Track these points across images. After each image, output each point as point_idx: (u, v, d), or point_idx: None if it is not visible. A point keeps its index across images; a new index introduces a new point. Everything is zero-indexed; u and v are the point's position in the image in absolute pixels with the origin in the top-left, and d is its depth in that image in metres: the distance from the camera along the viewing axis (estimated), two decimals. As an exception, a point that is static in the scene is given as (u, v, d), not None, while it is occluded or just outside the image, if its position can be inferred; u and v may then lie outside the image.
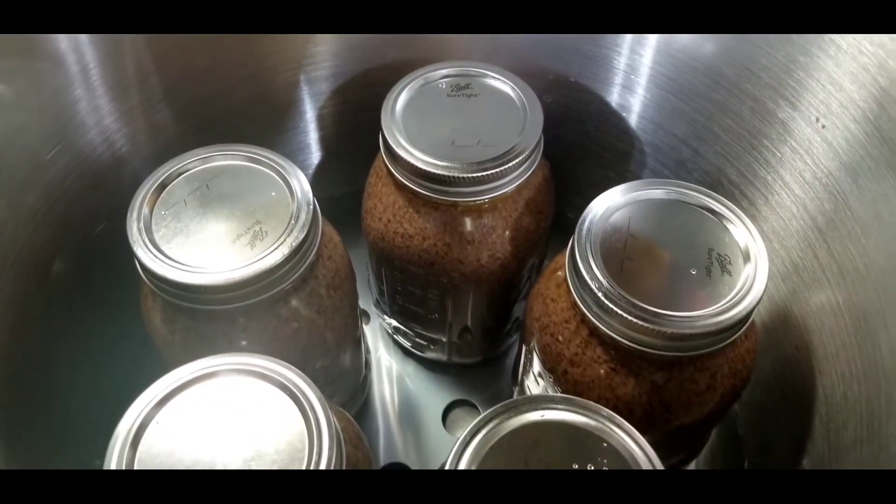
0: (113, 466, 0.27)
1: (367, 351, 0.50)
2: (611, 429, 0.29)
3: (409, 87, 0.41)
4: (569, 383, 0.37)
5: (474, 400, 0.51)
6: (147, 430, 0.28)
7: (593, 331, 0.35)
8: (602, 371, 0.36)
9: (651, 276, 0.34)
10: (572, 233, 0.42)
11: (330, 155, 0.53)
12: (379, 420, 0.51)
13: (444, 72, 0.42)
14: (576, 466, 0.28)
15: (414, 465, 0.48)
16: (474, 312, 0.46)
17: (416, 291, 0.45)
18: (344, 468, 0.29)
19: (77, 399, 0.42)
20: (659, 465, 0.28)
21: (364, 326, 0.53)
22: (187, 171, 0.36)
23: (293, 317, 0.37)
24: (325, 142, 0.52)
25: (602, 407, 0.30)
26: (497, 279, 0.43)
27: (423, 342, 0.51)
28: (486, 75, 0.42)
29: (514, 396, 0.47)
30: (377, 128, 0.42)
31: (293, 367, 0.30)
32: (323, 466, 0.28)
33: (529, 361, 0.42)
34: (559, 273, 0.38)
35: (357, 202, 0.45)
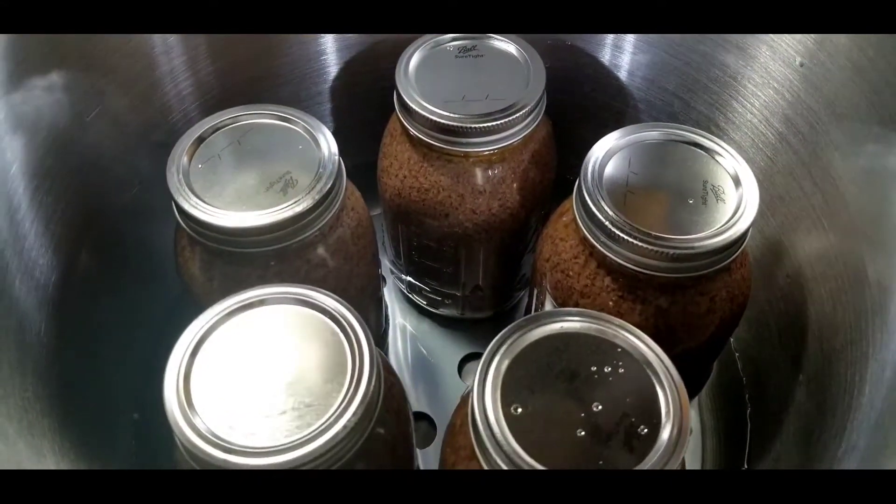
0: (172, 386, 0.30)
1: (386, 307, 0.53)
2: (623, 335, 0.32)
3: (420, 49, 0.44)
4: (580, 314, 0.40)
5: (487, 352, 0.54)
6: (200, 351, 0.31)
7: (601, 262, 0.38)
8: (611, 300, 0.39)
9: (652, 207, 0.37)
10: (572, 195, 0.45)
11: (341, 127, 0.56)
12: (398, 374, 0.53)
13: (450, 36, 0.45)
14: (594, 369, 0.31)
15: (435, 415, 0.51)
16: (486, 264, 0.49)
17: (431, 245, 0.48)
18: (382, 390, 0.32)
19: (113, 356, 0.45)
20: (668, 363, 0.31)
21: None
22: (221, 128, 0.39)
23: (322, 262, 0.40)
24: (336, 113, 0.55)
25: (613, 317, 0.33)
26: (507, 228, 0.46)
27: (437, 298, 0.53)
28: (490, 38, 0.45)
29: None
30: (384, 101, 0.45)
31: (335, 296, 0.33)
32: (363, 385, 0.30)
33: (541, 302, 0.45)
34: (566, 216, 0.41)
35: (367, 172, 0.48)
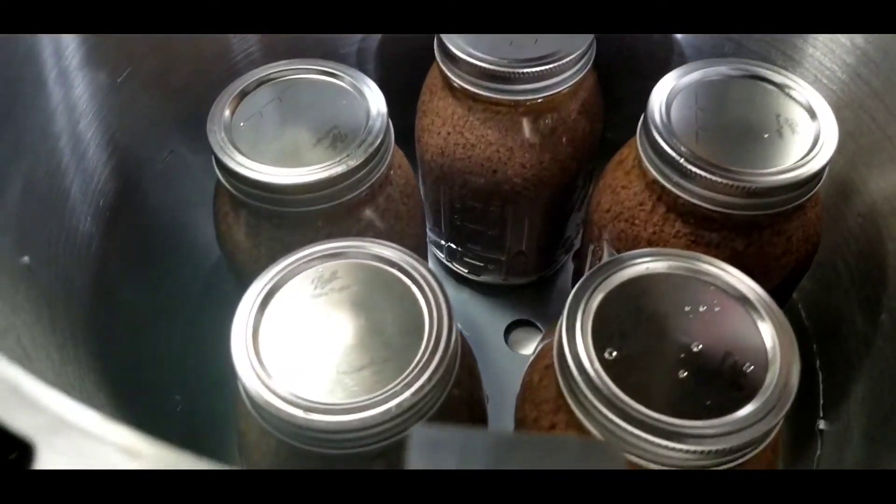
0: (240, 344, 0.28)
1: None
2: (715, 272, 0.30)
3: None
4: (648, 264, 0.38)
5: (534, 319, 0.52)
6: (268, 307, 0.29)
7: (671, 206, 0.36)
8: (682, 245, 0.37)
9: (727, 143, 0.35)
10: (613, 152, 0.43)
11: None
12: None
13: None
14: (687, 309, 0.29)
15: (485, 383, 0.49)
16: (532, 224, 0.47)
17: (476, 206, 0.46)
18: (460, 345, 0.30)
19: (150, 333, 0.42)
20: (768, 298, 0.29)
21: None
22: (263, 83, 0.37)
23: (372, 223, 0.38)
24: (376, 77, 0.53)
25: (701, 254, 0.31)
26: (557, 183, 0.44)
27: (479, 264, 0.51)
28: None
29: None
30: (418, 63, 0.42)
31: (404, 248, 0.31)
32: (444, 338, 0.28)
33: (596, 259, 0.43)
34: (625, 163, 0.39)
35: (402, 137, 0.45)
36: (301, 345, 0.28)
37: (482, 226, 0.47)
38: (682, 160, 0.34)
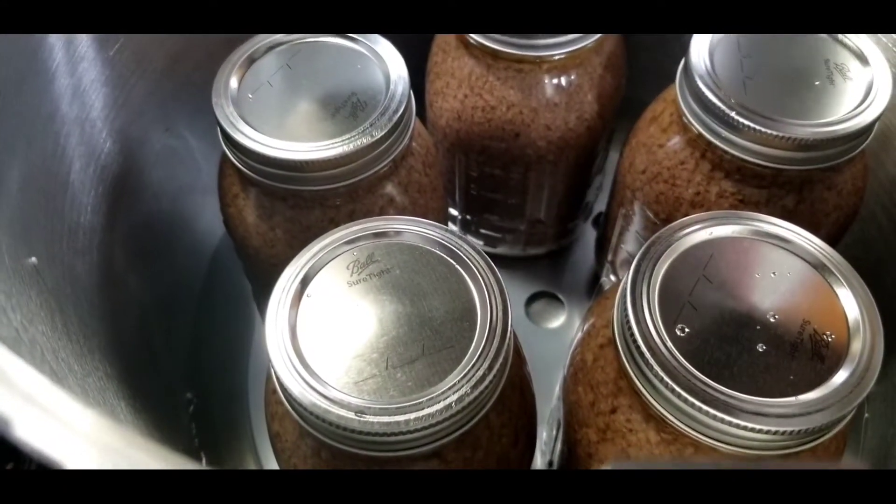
0: (274, 327, 0.25)
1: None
2: (784, 234, 0.28)
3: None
4: (691, 227, 0.36)
5: (555, 290, 0.50)
6: (303, 298, 0.26)
7: (717, 164, 0.34)
8: (728, 205, 0.35)
9: (776, 91, 0.33)
10: (628, 111, 0.40)
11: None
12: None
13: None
14: (758, 276, 0.27)
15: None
16: (553, 191, 0.45)
17: (496, 173, 0.43)
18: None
19: (159, 329, 0.39)
20: (842, 261, 0.27)
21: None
22: (271, 48, 0.34)
23: (394, 197, 0.35)
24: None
25: (766, 216, 0.29)
26: (584, 144, 0.41)
27: (497, 235, 0.49)
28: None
29: (605, 275, 0.46)
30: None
31: (449, 228, 0.28)
32: (500, 325, 0.26)
33: (627, 224, 0.41)
34: (662, 118, 0.37)
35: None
36: (344, 338, 0.25)
37: (500, 194, 0.45)
38: (732, 113, 0.31)
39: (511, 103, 0.39)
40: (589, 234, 0.52)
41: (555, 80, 0.38)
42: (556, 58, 0.37)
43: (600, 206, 0.51)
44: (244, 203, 0.34)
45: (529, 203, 0.45)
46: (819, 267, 0.27)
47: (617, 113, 0.43)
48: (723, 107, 0.32)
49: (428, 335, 0.25)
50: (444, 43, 0.41)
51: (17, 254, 0.24)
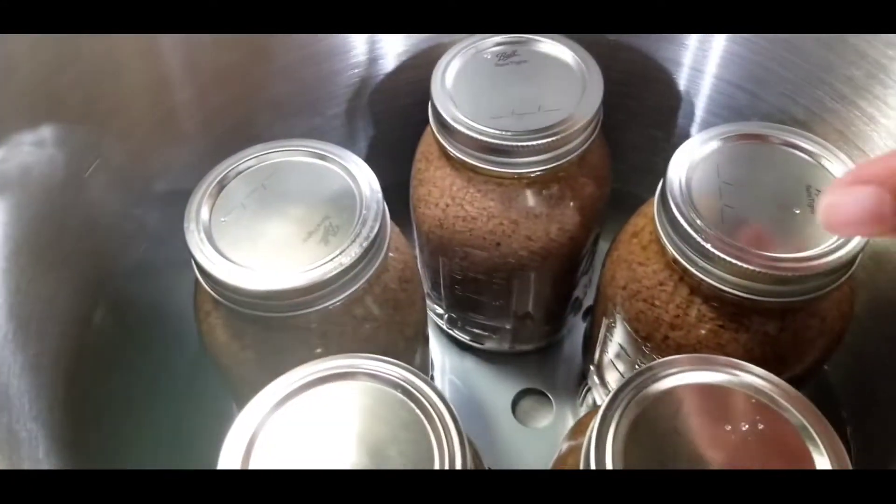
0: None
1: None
2: (755, 383, 0.27)
3: (457, 57, 0.39)
4: (670, 349, 0.35)
5: (544, 388, 0.49)
6: (258, 438, 0.26)
7: (695, 288, 0.33)
8: (707, 330, 0.34)
9: (755, 220, 0.32)
10: (620, 204, 0.39)
11: (372, 149, 0.51)
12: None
13: (484, 41, 0.40)
14: (729, 428, 0.26)
15: (492, 463, 0.46)
16: (538, 294, 0.44)
17: (478, 278, 0.42)
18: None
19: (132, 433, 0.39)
20: (820, 416, 0.26)
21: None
22: (242, 171, 0.34)
23: (370, 316, 0.34)
24: (350, 136, 0.49)
25: (740, 361, 0.28)
26: (566, 253, 0.41)
27: (483, 332, 0.48)
28: (531, 40, 0.40)
29: (591, 377, 0.45)
30: (416, 116, 0.39)
31: (409, 367, 0.27)
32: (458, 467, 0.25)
33: (610, 334, 0.40)
34: (642, 235, 0.36)
35: (397, 194, 0.42)
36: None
37: (485, 297, 0.44)
38: (708, 245, 0.31)
39: (492, 214, 0.39)
40: (579, 329, 0.51)
41: (535, 192, 0.38)
42: (540, 172, 0.37)
43: (591, 299, 0.51)
44: (216, 321, 0.34)
45: (514, 304, 0.45)
46: (803, 430, 0.26)
47: (604, 216, 0.43)
48: (698, 238, 0.31)
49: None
50: (427, 151, 0.41)
51: None
